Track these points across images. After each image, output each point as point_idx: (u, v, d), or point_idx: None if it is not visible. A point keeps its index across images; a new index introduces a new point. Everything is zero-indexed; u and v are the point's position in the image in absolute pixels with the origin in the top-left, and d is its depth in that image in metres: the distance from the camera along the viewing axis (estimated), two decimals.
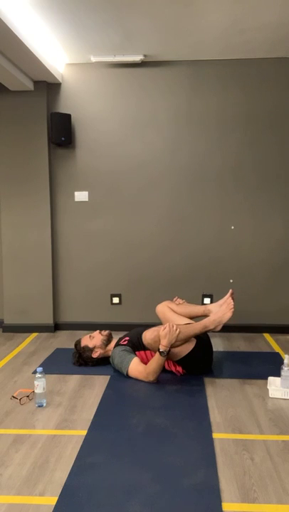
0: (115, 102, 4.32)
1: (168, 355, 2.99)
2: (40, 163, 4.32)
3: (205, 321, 3.13)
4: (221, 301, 3.30)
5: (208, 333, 3.28)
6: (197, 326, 3.09)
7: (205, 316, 3.28)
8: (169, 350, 2.96)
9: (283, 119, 4.23)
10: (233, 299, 3.25)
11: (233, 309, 3.16)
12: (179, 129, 4.31)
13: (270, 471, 2.06)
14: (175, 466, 2.08)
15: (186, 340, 3.04)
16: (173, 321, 3.17)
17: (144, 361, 3.13)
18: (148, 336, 3.13)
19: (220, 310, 3.19)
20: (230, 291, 3.32)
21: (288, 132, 4.24)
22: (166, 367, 3.19)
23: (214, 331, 3.18)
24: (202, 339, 3.18)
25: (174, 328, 2.95)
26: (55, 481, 2.00)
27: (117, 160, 4.37)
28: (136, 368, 3.06)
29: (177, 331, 2.95)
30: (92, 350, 3.33)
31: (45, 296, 4.43)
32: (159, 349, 2.95)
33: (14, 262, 4.42)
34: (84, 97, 4.33)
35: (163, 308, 3.44)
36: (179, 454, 2.19)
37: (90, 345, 3.34)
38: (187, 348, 3.07)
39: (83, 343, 3.37)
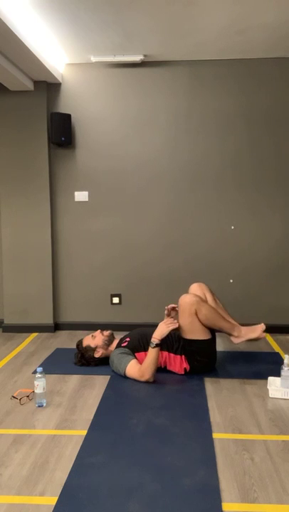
0: (115, 102, 4.32)
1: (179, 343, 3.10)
2: (40, 163, 4.32)
3: (235, 325, 3.25)
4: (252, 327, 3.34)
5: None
6: (226, 323, 3.21)
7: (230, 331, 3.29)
8: (160, 344, 3.00)
9: (283, 119, 4.23)
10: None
11: (264, 335, 3.25)
12: (178, 128, 4.31)
13: (270, 471, 2.06)
14: (175, 466, 2.08)
15: (210, 325, 3.13)
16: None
17: None
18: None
19: (252, 327, 3.28)
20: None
21: (288, 132, 4.24)
22: (168, 367, 3.21)
23: (231, 338, 3.28)
24: (215, 339, 3.24)
25: (172, 324, 3.03)
26: (55, 481, 2.00)
27: (117, 160, 4.37)
28: (133, 368, 3.07)
29: (170, 328, 3.01)
30: (94, 349, 3.34)
31: (45, 296, 4.43)
32: (150, 342, 3.01)
33: (14, 261, 4.42)
34: (84, 97, 4.33)
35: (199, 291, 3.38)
36: (179, 454, 2.19)
37: (92, 345, 3.34)
38: (202, 335, 3.13)
39: (85, 342, 3.37)
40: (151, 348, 2.99)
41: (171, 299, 4.09)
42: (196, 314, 3.09)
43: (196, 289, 3.39)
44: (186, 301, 3.12)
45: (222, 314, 3.28)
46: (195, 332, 3.12)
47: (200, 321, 3.11)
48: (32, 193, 4.36)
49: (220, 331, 3.24)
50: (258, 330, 3.24)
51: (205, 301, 3.21)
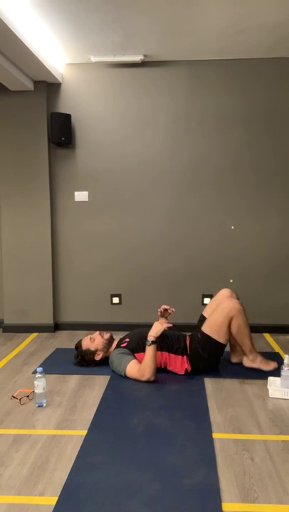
0: (115, 102, 4.32)
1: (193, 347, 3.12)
2: (40, 163, 4.32)
3: (255, 351, 3.27)
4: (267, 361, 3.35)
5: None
6: (250, 342, 3.24)
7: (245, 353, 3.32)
8: (157, 342, 3.03)
9: (282, 119, 4.23)
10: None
11: (273, 369, 3.24)
12: (178, 128, 4.31)
13: (270, 471, 2.06)
14: (175, 466, 2.08)
15: (236, 336, 3.16)
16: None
17: None
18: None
19: (267, 360, 3.29)
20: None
21: (287, 132, 4.24)
22: (169, 367, 3.21)
23: (244, 358, 3.31)
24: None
25: (166, 323, 3.07)
26: (55, 481, 2.00)
27: (117, 160, 4.37)
28: (133, 368, 3.08)
29: (164, 326, 3.04)
30: (94, 353, 3.32)
31: (45, 296, 4.43)
32: (146, 340, 3.03)
33: (14, 261, 4.42)
34: (84, 97, 4.33)
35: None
36: (179, 454, 2.19)
37: (92, 348, 3.32)
38: (221, 338, 3.15)
39: (84, 345, 3.35)
40: (148, 345, 3.01)
41: (171, 298, 4.10)
42: (231, 320, 3.12)
43: (230, 295, 3.40)
44: (230, 304, 3.14)
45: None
46: (218, 332, 3.14)
47: (229, 327, 3.13)
48: (32, 193, 4.36)
49: (239, 345, 3.28)
50: (270, 365, 3.27)
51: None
